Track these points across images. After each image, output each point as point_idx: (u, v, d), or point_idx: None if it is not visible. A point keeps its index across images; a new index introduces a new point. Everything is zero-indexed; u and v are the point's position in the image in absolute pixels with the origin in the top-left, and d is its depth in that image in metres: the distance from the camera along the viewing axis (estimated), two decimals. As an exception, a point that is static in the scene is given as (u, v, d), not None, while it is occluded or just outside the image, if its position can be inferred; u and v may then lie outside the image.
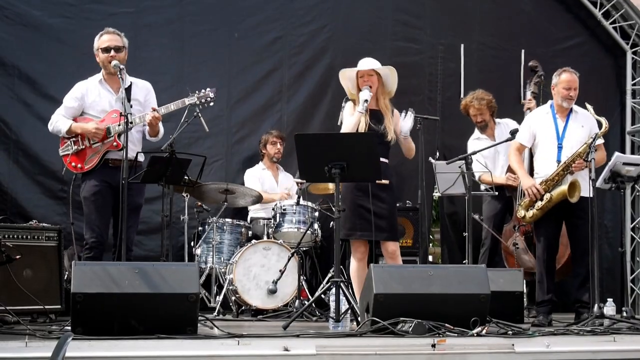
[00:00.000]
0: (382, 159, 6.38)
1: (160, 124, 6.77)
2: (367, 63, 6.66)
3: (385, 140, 6.60)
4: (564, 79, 7.06)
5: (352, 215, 6.49)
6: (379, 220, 6.47)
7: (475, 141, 8.38)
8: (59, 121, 6.63)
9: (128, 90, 6.57)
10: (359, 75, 6.64)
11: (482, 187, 8.30)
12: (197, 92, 6.89)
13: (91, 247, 6.50)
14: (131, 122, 6.32)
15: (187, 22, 9.03)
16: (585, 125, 7.11)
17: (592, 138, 6.79)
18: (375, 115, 6.64)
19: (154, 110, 6.62)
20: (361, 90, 6.55)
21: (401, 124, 6.66)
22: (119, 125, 6.46)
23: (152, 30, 8.89)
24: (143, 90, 6.78)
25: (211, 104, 6.97)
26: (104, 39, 6.64)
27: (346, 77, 6.73)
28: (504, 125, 8.34)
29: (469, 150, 8.18)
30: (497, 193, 8.25)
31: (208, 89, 6.92)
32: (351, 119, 6.57)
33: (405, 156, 6.88)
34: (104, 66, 6.65)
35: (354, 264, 6.65)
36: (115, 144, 6.54)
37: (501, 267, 8.24)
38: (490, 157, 8.24)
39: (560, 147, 7.05)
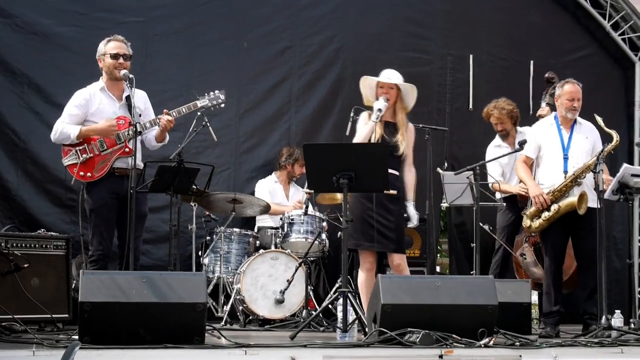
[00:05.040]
0: (392, 171, 6.44)
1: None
2: (390, 76, 6.69)
3: (396, 153, 6.61)
4: (567, 90, 7.08)
5: (360, 226, 6.49)
6: (386, 231, 6.48)
7: (496, 148, 8.34)
8: (65, 128, 6.54)
9: (128, 98, 6.50)
10: (378, 85, 6.67)
11: (497, 195, 8.24)
12: (206, 94, 6.90)
13: (97, 259, 6.48)
14: (140, 132, 6.33)
15: (197, 31, 9.03)
16: (589, 136, 7.17)
17: (601, 150, 6.80)
18: (390, 128, 6.67)
19: (167, 113, 6.61)
20: (377, 100, 6.59)
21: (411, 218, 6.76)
22: (128, 132, 6.47)
23: (162, 39, 8.88)
24: (142, 98, 6.75)
25: (222, 105, 6.98)
26: (113, 45, 6.61)
27: (366, 85, 6.76)
28: (525, 134, 8.26)
29: (487, 157, 8.15)
30: (504, 204, 8.22)
31: (217, 91, 6.93)
32: (364, 128, 6.59)
33: None
34: (109, 72, 6.60)
35: (362, 275, 6.64)
36: (127, 149, 6.52)
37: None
38: (510, 164, 8.20)
39: (566, 158, 7.06)
